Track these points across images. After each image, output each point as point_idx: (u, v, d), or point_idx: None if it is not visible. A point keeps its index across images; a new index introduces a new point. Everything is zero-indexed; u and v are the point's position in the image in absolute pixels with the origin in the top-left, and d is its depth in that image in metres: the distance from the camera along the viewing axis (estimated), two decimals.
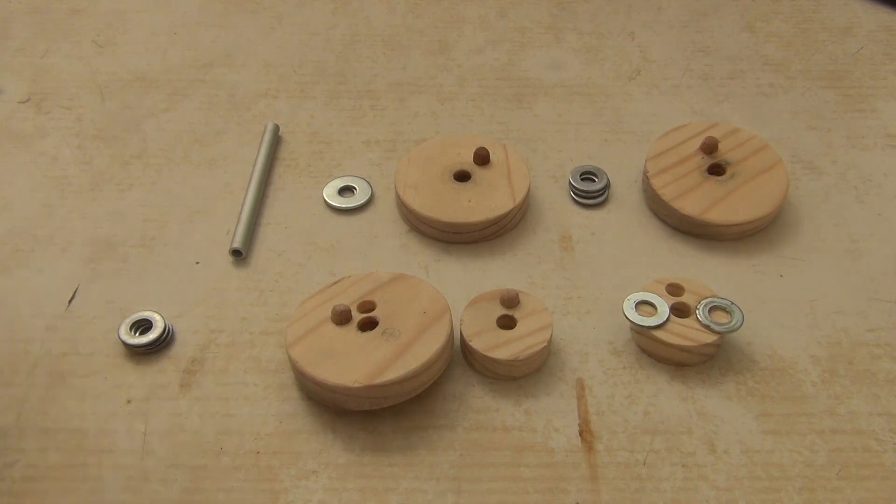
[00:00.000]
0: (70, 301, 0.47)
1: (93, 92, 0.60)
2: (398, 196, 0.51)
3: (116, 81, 0.61)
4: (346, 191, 0.53)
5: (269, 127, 0.56)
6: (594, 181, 0.52)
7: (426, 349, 0.41)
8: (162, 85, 0.60)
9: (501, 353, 0.42)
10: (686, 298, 0.44)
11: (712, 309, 0.44)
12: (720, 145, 0.51)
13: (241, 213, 0.51)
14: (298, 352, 0.41)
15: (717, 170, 0.51)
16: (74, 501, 0.39)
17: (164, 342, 0.44)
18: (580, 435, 0.41)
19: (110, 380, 0.43)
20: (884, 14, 0.66)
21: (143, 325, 0.44)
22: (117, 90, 0.60)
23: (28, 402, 0.42)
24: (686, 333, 0.43)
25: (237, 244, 0.49)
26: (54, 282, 0.48)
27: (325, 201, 0.52)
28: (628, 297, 0.44)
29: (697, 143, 0.52)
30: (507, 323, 0.44)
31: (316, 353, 0.41)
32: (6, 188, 0.53)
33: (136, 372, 0.44)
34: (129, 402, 0.43)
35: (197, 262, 0.49)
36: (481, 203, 0.49)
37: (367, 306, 0.43)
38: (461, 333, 0.43)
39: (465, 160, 0.52)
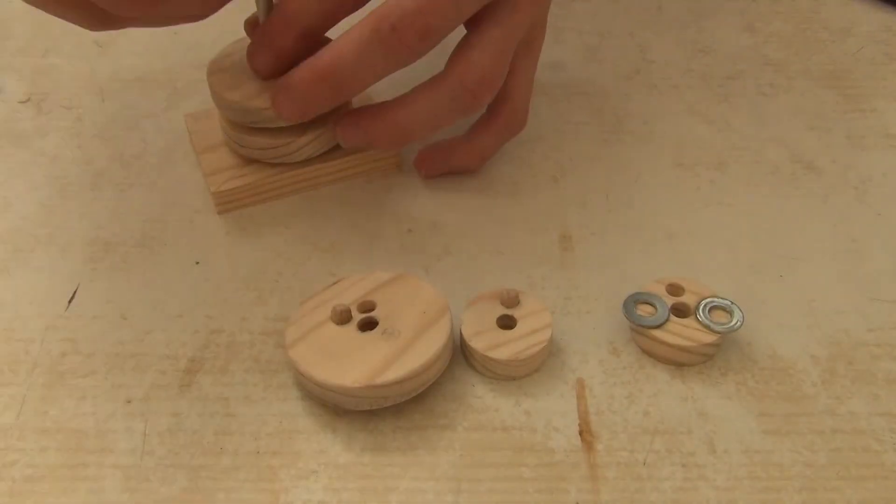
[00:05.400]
0: (70, 301, 0.47)
1: (93, 92, 0.60)
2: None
3: (116, 81, 0.61)
4: None
5: None
6: None
7: (426, 349, 0.41)
8: (162, 85, 0.60)
9: (501, 353, 0.42)
10: (686, 298, 0.44)
11: (712, 309, 0.43)
12: None
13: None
14: (298, 352, 0.41)
15: None
16: (74, 501, 0.39)
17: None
18: (580, 435, 0.41)
19: (110, 380, 0.43)
20: (884, 14, 0.66)
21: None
22: (117, 90, 0.60)
23: (27, 402, 0.42)
24: (686, 333, 0.43)
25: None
26: (54, 282, 0.48)
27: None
28: (628, 297, 0.44)
29: None
30: (507, 323, 0.44)
31: (316, 353, 0.41)
32: (6, 188, 0.53)
33: (136, 372, 0.44)
34: (128, 402, 0.42)
35: (197, 263, 0.49)
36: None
37: (367, 306, 0.43)
38: (461, 333, 0.43)
39: None
